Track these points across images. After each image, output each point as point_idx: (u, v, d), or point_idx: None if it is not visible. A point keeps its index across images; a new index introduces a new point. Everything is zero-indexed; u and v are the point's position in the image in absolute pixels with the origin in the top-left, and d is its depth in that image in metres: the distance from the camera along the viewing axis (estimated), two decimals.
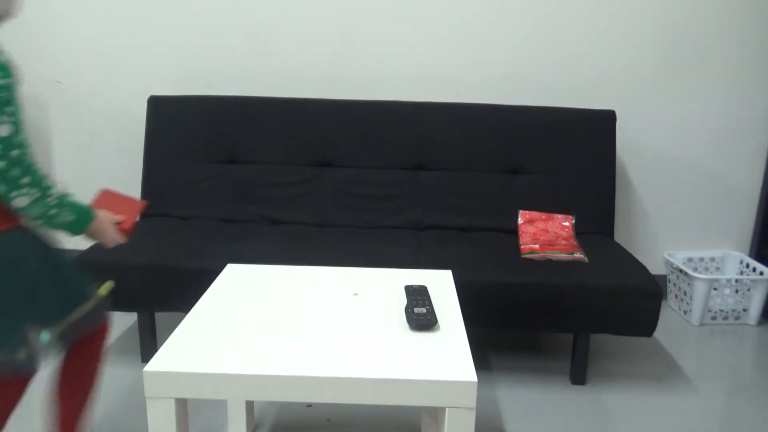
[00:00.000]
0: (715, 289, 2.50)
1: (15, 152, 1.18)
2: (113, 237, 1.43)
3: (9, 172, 1.17)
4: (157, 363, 1.14)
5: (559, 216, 2.26)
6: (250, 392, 1.13)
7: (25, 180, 1.18)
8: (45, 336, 1.27)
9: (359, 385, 1.11)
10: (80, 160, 2.76)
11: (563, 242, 2.13)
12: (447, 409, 1.11)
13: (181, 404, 1.17)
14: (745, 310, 2.53)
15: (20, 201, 1.20)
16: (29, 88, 2.70)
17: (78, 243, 2.75)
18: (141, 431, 1.74)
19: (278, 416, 1.83)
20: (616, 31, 2.52)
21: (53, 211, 1.27)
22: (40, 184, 1.21)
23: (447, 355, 1.18)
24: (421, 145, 2.38)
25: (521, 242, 2.15)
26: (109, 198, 1.58)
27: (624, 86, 2.57)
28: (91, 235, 1.40)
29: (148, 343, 2.08)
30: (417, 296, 1.39)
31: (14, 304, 1.26)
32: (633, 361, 2.22)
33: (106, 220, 1.42)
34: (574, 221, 2.24)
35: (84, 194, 2.79)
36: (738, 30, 2.50)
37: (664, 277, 2.71)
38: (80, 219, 1.35)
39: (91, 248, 2.06)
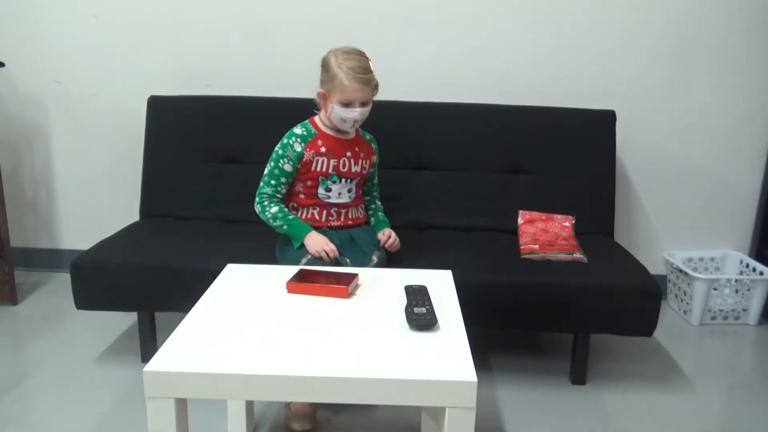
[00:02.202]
0: (715, 289, 2.50)
1: None
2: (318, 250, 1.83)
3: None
4: (157, 363, 1.14)
5: (559, 216, 2.26)
6: (250, 392, 1.13)
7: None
8: None
9: (359, 385, 1.11)
10: (80, 160, 2.76)
11: (563, 242, 2.13)
12: (447, 409, 1.11)
13: (181, 404, 1.17)
14: (745, 310, 2.53)
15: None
16: (29, 88, 2.70)
17: (78, 243, 2.76)
18: (141, 431, 1.74)
19: (278, 416, 1.83)
20: (616, 32, 2.52)
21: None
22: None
23: (447, 355, 1.18)
24: (421, 145, 2.38)
25: (521, 242, 2.15)
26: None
27: (624, 86, 2.57)
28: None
29: (148, 343, 2.08)
30: (417, 296, 1.39)
31: None
32: (633, 361, 2.22)
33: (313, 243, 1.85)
34: (574, 221, 2.24)
35: (84, 194, 2.80)
36: (739, 30, 2.50)
37: (664, 277, 2.71)
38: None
39: (91, 248, 2.06)
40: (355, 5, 2.52)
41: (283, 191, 1.96)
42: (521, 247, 2.11)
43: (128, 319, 2.38)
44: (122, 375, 2.02)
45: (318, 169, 1.94)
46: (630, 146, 2.61)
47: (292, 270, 1.56)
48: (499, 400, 1.93)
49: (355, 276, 1.51)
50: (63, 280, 2.75)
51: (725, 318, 2.54)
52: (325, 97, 1.89)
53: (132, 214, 2.49)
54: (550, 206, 2.33)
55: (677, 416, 1.89)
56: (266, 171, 1.95)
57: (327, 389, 1.11)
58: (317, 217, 1.97)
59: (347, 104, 1.86)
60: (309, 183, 1.96)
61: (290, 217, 1.91)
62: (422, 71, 2.58)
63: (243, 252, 1.94)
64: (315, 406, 1.80)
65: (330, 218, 1.98)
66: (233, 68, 2.61)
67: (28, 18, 2.61)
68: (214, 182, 2.39)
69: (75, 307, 1.99)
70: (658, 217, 2.71)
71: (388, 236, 1.98)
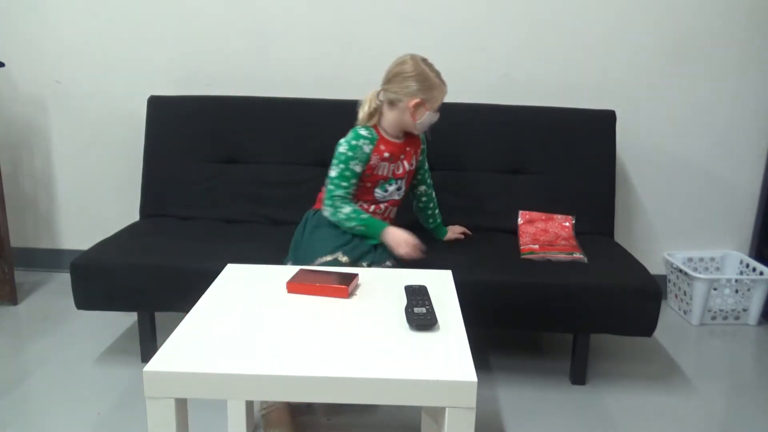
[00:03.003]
0: (715, 289, 2.50)
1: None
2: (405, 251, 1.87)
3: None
4: (157, 363, 1.13)
5: (559, 216, 2.26)
6: (250, 392, 1.13)
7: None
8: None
9: (359, 385, 1.11)
10: (80, 160, 2.76)
11: (563, 242, 2.13)
12: (447, 409, 1.11)
13: (181, 404, 1.17)
14: (745, 310, 2.53)
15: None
16: (29, 88, 2.70)
17: (78, 243, 2.76)
18: (141, 431, 1.74)
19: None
20: (616, 31, 2.52)
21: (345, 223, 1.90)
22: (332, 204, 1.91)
23: (447, 355, 1.18)
24: None
25: (521, 242, 2.15)
26: None
27: (624, 86, 2.57)
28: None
29: (148, 343, 2.08)
30: (417, 296, 1.39)
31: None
32: (633, 361, 2.22)
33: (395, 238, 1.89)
34: (574, 221, 2.24)
35: (84, 194, 2.80)
36: (738, 30, 2.50)
37: (664, 277, 2.71)
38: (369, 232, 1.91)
39: (91, 248, 2.06)
40: (355, 5, 2.52)
41: (353, 192, 1.96)
42: (521, 247, 2.11)
43: (128, 319, 2.38)
44: (122, 375, 2.02)
45: (380, 173, 1.97)
46: (630, 146, 2.61)
47: (292, 270, 1.56)
48: (499, 400, 1.93)
49: (355, 276, 1.51)
50: (63, 280, 2.75)
51: (725, 318, 2.54)
52: (419, 105, 1.91)
53: (132, 214, 2.49)
54: (550, 206, 2.32)
55: (677, 416, 1.89)
56: (334, 174, 1.91)
57: (327, 389, 1.11)
58: (366, 207, 1.99)
59: (438, 109, 1.97)
60: (369, 185, 1.98)
61: (363, 216, 1.91)
62: None
63: (243, 252, 1.94)
64: (293, 415, 1.78)
65: (377, 212, 2.01)
66: (233, 68, 2.61)
67: (28, 18, 2.61)
68: (214, 182, 2.39)
69: (75, 307, 1.99)
70: (658, 217, 2.71)
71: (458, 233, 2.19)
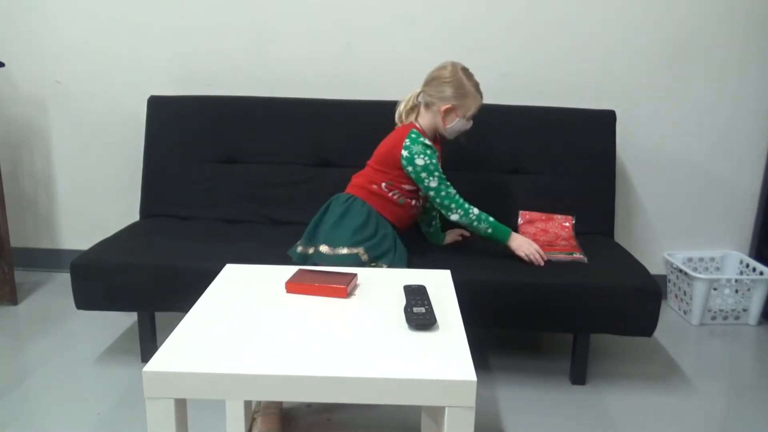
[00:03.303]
0: (715, 289, 2.50)
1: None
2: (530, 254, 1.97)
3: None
4: (157, 363, 1.14)
5: (559, 216, 2.26)
6: (250, 392, 1.13)
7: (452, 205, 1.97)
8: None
9: (359, 385, 1.11)
10: (80, 160, 2.76)
11: (563, 242, 2.13)
12: (447, 408, 1.11)
13: (181, 404, 1.17)
14: (745, 310, 2.53)
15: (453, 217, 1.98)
16: (29, 88, 2.70)
17: (78, 243, 2.76)
18: (141, 431, 1.74)
19: None
20: (616, 31, 2.52)
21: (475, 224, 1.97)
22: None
23: (446, 355, 1.18)
24: None
25: None
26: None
27: (624, 86, 2.57)
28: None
29: (148, 343, 2.08)
30: (416, 296, 1.39)
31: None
32: (633, 361, 2.22)
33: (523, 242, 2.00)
34: (574, 222, 2.24)
35: (84, 194, 2.81)
36: (738, 30, 2.50)
37: (664, 277, 2.71)
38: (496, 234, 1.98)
39: (91, 248, 2.06)
40: (355, 5, 2.52)
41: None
42: None
43: (128, 319, 2.38)
44: (122, 375, 2.02)
45: None
46: (630, 146, 2.61)
47: (291, 270, 1.56)
48: (499, 400, 1.93)
49: (354, 276, 1.51)
50: (63, 280, 2.75)
51: (725, 318, 2.54)
52: (450, 110, 1.96)
53: (132, 214, 2.49)
54: (550, 206, 2.32)
55: (677, 416, 1.89)
56: (435, 183, 1.93)
57: (326, 389, 1.11)
58: (411, 202, 2.03)
59: (471, 118, 2.00)
60: (415, 187, 2.01)
61: (491, 219, 1.98)
62: (422, 71, 2.57)
63: (243, 252, 1.94)
64: (284, 421, 1.78)
65: (417, 205, 2.06)
66: (233, 68, 2.61)
67: (28, 18, 2.61)
68: (214, 182, 2.39)
69: (75, 307, 1.99)
70: (658, 217, 2.71)
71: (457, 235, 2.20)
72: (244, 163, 2.41)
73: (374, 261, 1.89)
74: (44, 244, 2.88)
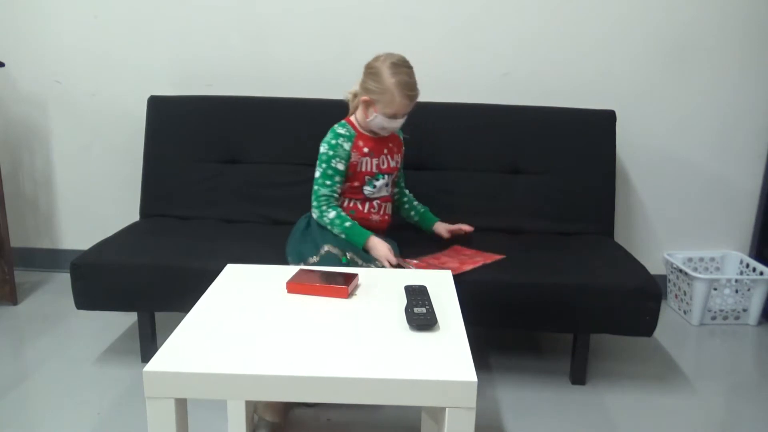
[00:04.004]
0: (715, 289, 2.50)
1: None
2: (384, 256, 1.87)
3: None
4: (157, 363, 1.13)
5: (490, 254, 2.04)
6: (250, 392, 1.13)
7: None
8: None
9: (359, 385, 1.11)
10: (80, 160, 2.76)
11: (478, 258, 2.00)
12: (447, 409, 1.11)
13: (181, 404, 1.17)
14: (745, 310, 2.53)
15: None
16: (29, 88, 2.70)
17: (78, 243, 2.76)
18: (141, 431, 1.74)
19: None
20: (616, 31, 2.52)
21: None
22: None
23: (447, 355, 1.18)
24: (421, 145, 2.37)
25: (441, 262, 2.00)
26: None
27: (624, 86, 2.57)
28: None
29: (148, 343, 2.08)
30: (417, 296, 1.38)
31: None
32: (633, 361, 2.22)
33: (377, 243, 1.89)
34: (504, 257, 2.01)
35: (84, 194, 2.80)
36: (738, 30, 2.50)
37: (664, 277, 2.71)
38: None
39: (91, 248, 2.06)
40: (355, 5, 2.52)
41: (339, 191, 1.97)
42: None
43: (128, 319, 2.38)
44: (122, 375, 2.02)
45: (364, 169, 1.98)
46: (630, 146, 2.61)
47: (292, 270, 1.56)
48: (499, 400, 1.93)
49: (355, 276, 1.51)
50: (63, 280, 2.75)
51: (725, 318, 2.54)
52: (369, 104, 1.91)
53: (132, 214, 2.49)
54: (550, 206, 2.33)
55: (677, 416, 1.89)
56: (318, 174, 1.95)
57: (327, 389, 1.11)
58: (360, 207, 2.00)
59: (393, 116, 1.89)
60: (357, 184, 1.99)
61: (347, 224, 1.92)
62: (422, 71, 2.57)
63: (243, 252, 1.94)
64: (290, 404, 1.78)
65: (372, 210, 2.02)
66: (233, 68, 2.61)
67: (28, 18, 2.61)
68: (214, 182, 2.39)
69: (75, 307, 1.99)
70: (658, 217, 2.71)
71: (450, 231, 2.10)
72: (244, 163, 2.41)
73: (345, 252, 1.86)
74: (44, 244, 2.88)
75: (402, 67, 1.89)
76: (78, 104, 2.70)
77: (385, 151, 2.01)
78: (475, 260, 1.97)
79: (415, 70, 2.55)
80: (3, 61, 2.55)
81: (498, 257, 1.99)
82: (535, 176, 2.37)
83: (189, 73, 2.62)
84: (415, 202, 2.20)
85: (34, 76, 2.67)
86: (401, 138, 2.11)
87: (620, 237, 2.64)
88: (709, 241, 2.74)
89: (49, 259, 2.86)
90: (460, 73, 2.57)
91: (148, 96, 2.46)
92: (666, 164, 2.64)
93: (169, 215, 2.37)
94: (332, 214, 1.92)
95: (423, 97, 2.45)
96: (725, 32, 2.50)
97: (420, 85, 2.60)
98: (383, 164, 2.00)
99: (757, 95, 2.57)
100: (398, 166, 2.08)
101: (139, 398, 1.89)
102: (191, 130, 2.42)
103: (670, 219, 2.71)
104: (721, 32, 2.51)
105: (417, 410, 1.80)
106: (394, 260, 1.86)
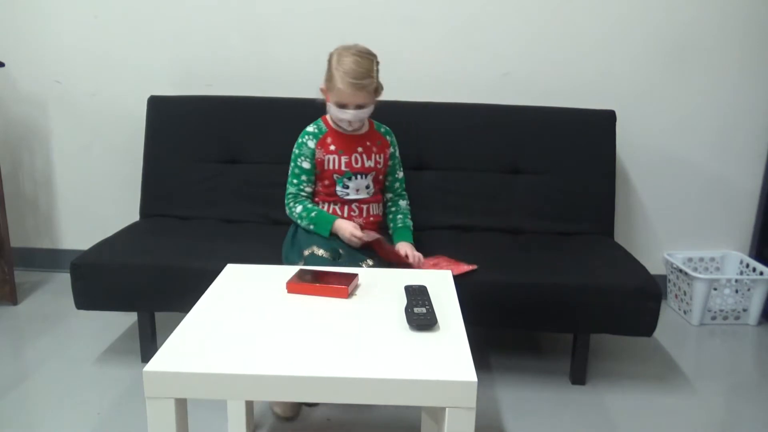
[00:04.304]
0: (715, 289, 2.50)
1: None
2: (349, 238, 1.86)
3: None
4: (157, 363, 1.14)
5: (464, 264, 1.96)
6: (250, 392, 1.13)
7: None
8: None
9: (359, 385, 1.11)
10: (80, 160, 2.76)
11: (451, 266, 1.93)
12: (447, 409, 1.11)
13: (181, 404, 1.17)
14: (745, 310, 2.53)
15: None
16: (29, 88, 2.70)
17: (78, 243, 2.76)
18: (141, 431, 1.74)
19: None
20: (616, 31, 2.52)
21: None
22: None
23: (447, 355, 1.18)
24: (421, 145, 2.38)
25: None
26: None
27: (624, 86, 2.56)
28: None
29: (148, 343, 2.08)
30: (417, 296, 1.39)
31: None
32: (633, 361, 2.22)
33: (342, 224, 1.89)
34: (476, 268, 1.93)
35: (84, 194, 2.80)
36: (738, 30, 2.50)
37: (664, 277, 2.71)
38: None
39: (91, 248, 2.06)
40: (355, 5, 2.52)
41: (308, 189, 1.98)
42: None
43: (128, 319, 2.38)
44: (122, 375, 2.02)
45: (331, 167, 1.96)
46: (630, 146, 2.61)
47: (292, 270, 1.56)
48: (499, 400, 1.93)
49: (355, 276, 1.51)
50: (63, 280, 2.75)
51: (725, 318, 2.54)
52: (324, 93, 1.93)
53: (132, 214, 2.48)
54: (550, 206, 2.33)
55: (677, 416, 1.89)
56: (289, 172, 1.99)
57: (327, 389, 1.11)
58: (339, 212, 2.00)
59: (341, 105, 1.87)
60: (327, 182, 1.98)
61: (313, 214, 1.93)
62: (422, 71, 2.58)
63: (243, 252, 1.94)
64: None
65: (352, 213, 2.00)
66: (233, 68, 2.61)
67: (28, 18, 2.61)
68: (214, 182, 2.39)
69: (75, 307, 1.99)
70: (658, 217, 2.71)
71: (406, 256, 1.88)
72: (244, 163, 2.40)
73: (334, 253, 1.85)
74: (44, 244, 2.88)
75: (352, 56, 1.85)
76: (78, 104, 2.70)
77: (360, 149, 1.98)
78: (443, 266, 1.88)
79: (415, 70, 2.57)
80: (3, 61, 2.55)
81: (469, 268, 1.88)
82: (535, 176, 2.37)
83: (189, 73, 2.62)
84: (400, 216, 2.08)
85: (34, 76, 2.67)
86: (388, 138, 2.08)
87: (620, 237, 2.64)
88: (709, 241, 2.74)
89: (49, 259, 2.86)
90: (460, 73, 2.57)
91: (148, 96, 2.46)
92: (666, 164, 2.64)
93: (169, 215, 2.37)
94: (299, 208, 1.95)
95: (423, 97, 2.47)
96: (725, 32, 2.50)
97: (420, 85, 2.62)
98: (356, 163, 1.97)
99: (757, 95, 2.57)
100: (380, 167, 2.03)
101: (139, 398, 1.89)
102: (191, 130, 2.42)
103: (670, 219, 2.71)
104: (721, 32, 2.51)
105: (417, 410, 1.80)
106: (359, 234, 1.85)
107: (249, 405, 1.71)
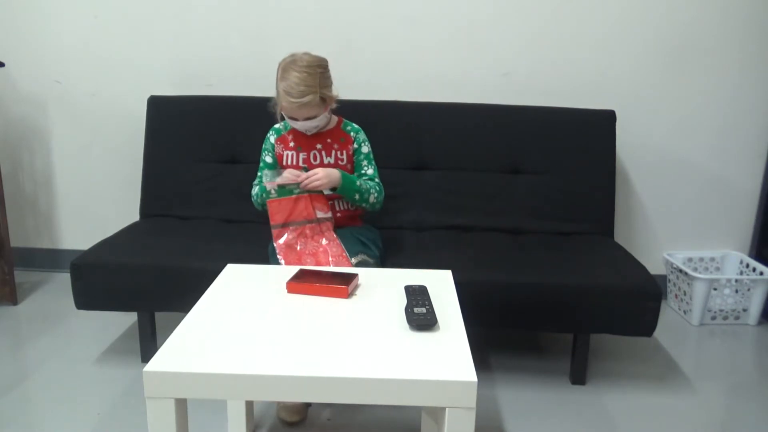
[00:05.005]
0: (715, 289, 2.50)
1: None
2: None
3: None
4: (157, 363, 1.14)
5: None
6: (250, 392, 1.13)
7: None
8: None
9: (359, 385, 1.11)
10: (80, 160, 2.76)
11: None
12: (447, 409, 1.11)
13: (181, 404, 1.17)
14: (745, 310, 2.53)
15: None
16: (29, 88, 2.70)
17: (78, 243, 2.77)
18: (141, 431, 1.74)
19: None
20: (616, 32, 2.52)
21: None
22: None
23: (447, 355, 1.18)
24: (421, 145, 2.38)
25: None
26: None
27: (624, 86, 2.57)
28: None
29: (148, 343, 2.08)
30: (417, 296, 1.39)
31: None
32: (633, 361, 2.22)
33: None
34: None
35: (84, 194, 2.81)
36: (738, 30, 2.50)
37: (664, 277, 2.71)
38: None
39: (91, 248, 2.06)
40: (355, 5, 2.52)
41: None
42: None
43: (128, 319, 2.38)
44: (122, 375, 2.02)
45: (289, 162, 2.00)
46: (630, 146, 2.61)
47: (292, 270, 1.56)
48: (499, 400, 1.93)
49: (355, 276, 1.51)
50: (63, 280, 2.75)
51: (725, 318, 2.54)
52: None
53: (132, 214, 2.49)
54: (550, 206, 2.33)
55: (677, 416, 1.89)
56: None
57: (327, 389, 1.11)
58: None
59: (291, 117, 1.92)
60: None
61: (264, 194, 1.96)
62: (422, 71, 2.58)
63: (243, 252, 1.94)
64: (308, 402, 1.80)
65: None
66: (233, 68, 2.61)
67: (28, 18, 2.61)
68: (214, 182, 2.39)
69: (75, 307, 1.99)
70: (658, 217, 2.71)
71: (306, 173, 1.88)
72: (244, 163, 2.40)
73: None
74: (44, 244, 2.88)
75: (294, 71, 1.85)
76: (78, 104, 2.70)
77: (319, 146, 1.98)
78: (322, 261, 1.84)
79: (415, 70, 2.57)
80: (3, 61, 2.55)
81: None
82: (535, 176, 2.37)
83: (189, 73, 2.63)
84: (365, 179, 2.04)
85: (34, 76, 2.68)
86: (353, 135, 2.03)
87: (620, 237, 2.64)
88: (709, 241, 2.74)
89: (49, 259, 2.86)
90: (460, 73, 2.58)
91: (148, 96, 2.46)
92: (666, 164, 2.64)
93: (169, 215, 2.38)
94: (255, 189, 2.01)
95: (423, 96, 2.47)
96: (725, 32, 2.51)
97: (420, 85, 2.62)
98: (314, 159, 1.99)
99: (757, 95, 2.57)
100: (343, 163, 1.99)
101: (139, 398, 1.89)
102: (191, 130, 2.42)
103: (670, 219, 2.71)
104: (721, 32, 2.51)
105: (417, 410, 1.80)
106: (296, 172, 1.86)
107: (249, 405, 1.71)
